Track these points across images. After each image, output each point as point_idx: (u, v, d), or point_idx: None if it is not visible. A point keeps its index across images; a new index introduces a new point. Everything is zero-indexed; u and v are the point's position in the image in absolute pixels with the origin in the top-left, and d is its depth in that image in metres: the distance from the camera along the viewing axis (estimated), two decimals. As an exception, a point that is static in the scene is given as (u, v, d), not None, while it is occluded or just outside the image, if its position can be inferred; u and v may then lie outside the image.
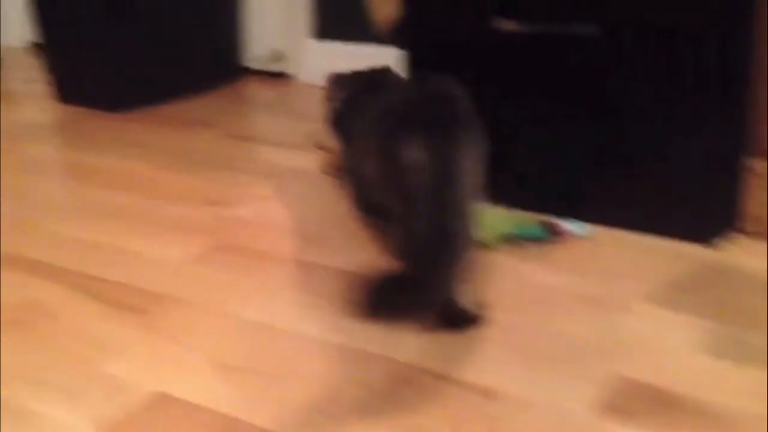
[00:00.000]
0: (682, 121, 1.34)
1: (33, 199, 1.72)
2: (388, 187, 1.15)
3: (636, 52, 1.34)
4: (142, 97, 2.30)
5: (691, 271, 1.30)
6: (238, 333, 1.16)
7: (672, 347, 1.09)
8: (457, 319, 1.13)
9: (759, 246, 1.36)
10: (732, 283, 1.26)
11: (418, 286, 1.02)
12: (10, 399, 1.01)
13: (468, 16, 1.48)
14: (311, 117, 2.20)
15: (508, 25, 1.42)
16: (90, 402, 1.00)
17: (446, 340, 1.11)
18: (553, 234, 1.40)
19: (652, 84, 1.35)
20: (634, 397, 0.99)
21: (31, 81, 2.68)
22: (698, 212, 1.37)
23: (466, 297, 1.13)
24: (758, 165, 1.36)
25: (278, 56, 2.60)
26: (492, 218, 1.33)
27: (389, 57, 1.69)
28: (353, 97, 1.44)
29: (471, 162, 1.10)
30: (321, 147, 1.88)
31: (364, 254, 1.37)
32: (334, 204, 1.60)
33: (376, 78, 1.47)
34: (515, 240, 1.39)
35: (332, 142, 1.60)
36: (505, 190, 1.35)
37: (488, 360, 1.07)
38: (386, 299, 1.05)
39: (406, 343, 1.11)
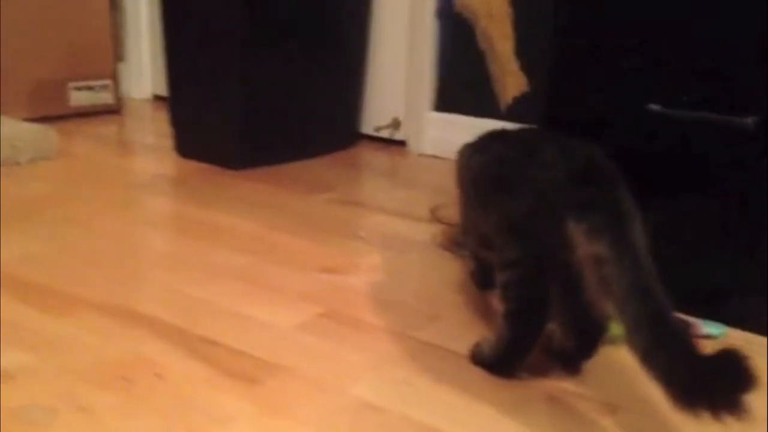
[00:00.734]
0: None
1: (148, 253, 1.72)
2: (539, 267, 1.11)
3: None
4: (261, 157, 2.30)
5: None
6: (346, 410, 1.10)
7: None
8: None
9: None
10: None
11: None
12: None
13: (621, 96, 1.43)
14: (428, 188, 2.16)
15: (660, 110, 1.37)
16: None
17: None
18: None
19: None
20: None
21: (153, 133, 2.74)
22: None
23: None
24: None
25: (397, 125, 2.59)
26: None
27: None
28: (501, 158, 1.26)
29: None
30: (439, 220, 1.82)
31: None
32: (450, 281, 1.54)
33: (528, 138, 1.32)
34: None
35: (450, 215, 1.54)
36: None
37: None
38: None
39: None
